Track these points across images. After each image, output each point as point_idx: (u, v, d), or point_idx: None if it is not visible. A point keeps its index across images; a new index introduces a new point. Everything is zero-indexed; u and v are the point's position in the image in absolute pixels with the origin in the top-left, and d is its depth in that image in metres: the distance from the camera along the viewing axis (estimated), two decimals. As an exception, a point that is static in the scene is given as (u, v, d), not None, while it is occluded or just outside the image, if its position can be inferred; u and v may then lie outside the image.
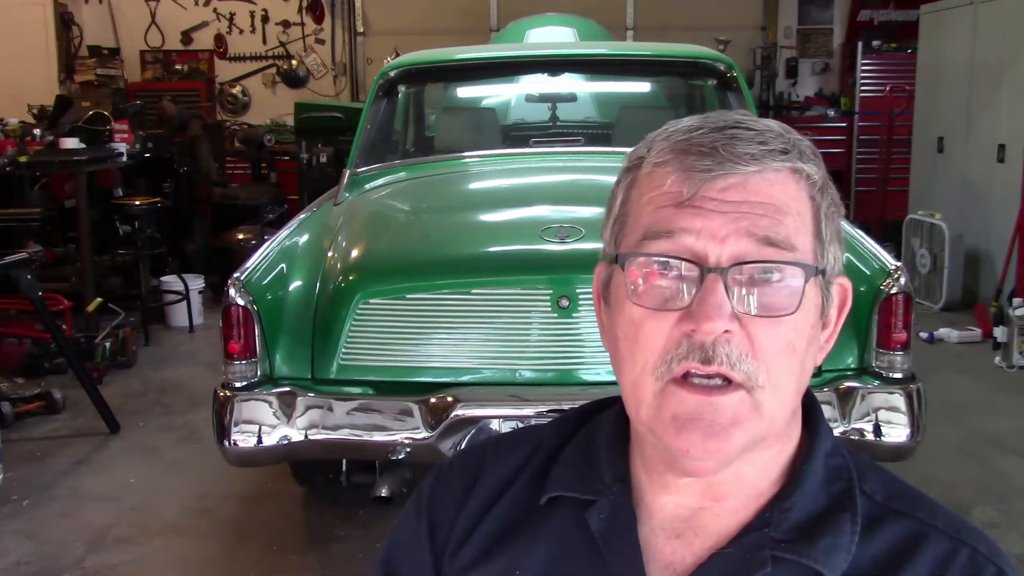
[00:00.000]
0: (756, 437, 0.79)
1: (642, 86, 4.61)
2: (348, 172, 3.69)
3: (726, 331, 0.76)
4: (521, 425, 2.55)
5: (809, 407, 0.89)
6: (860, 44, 8.76)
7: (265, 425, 2.67)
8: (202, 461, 3.94)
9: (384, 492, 2.70)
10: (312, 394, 2.70)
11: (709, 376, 0.77)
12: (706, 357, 0.76)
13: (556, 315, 2.66)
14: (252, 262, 2.89)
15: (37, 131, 6.54)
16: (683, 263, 0.78)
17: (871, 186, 8.40)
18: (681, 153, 0.80)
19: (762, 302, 0.77)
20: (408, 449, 2.62)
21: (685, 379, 0.78)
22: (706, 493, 0.84)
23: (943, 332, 5.72)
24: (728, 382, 0.77)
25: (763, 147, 0.79)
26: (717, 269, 0.76)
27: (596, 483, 0.88)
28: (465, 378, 2.71)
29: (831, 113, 8.97)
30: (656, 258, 0.79)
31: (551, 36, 5.22)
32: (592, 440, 0.92)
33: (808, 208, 0.80)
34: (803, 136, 0.84)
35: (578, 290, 2.63)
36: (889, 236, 6.95)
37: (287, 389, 2.71)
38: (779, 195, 0.79)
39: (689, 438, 0.77)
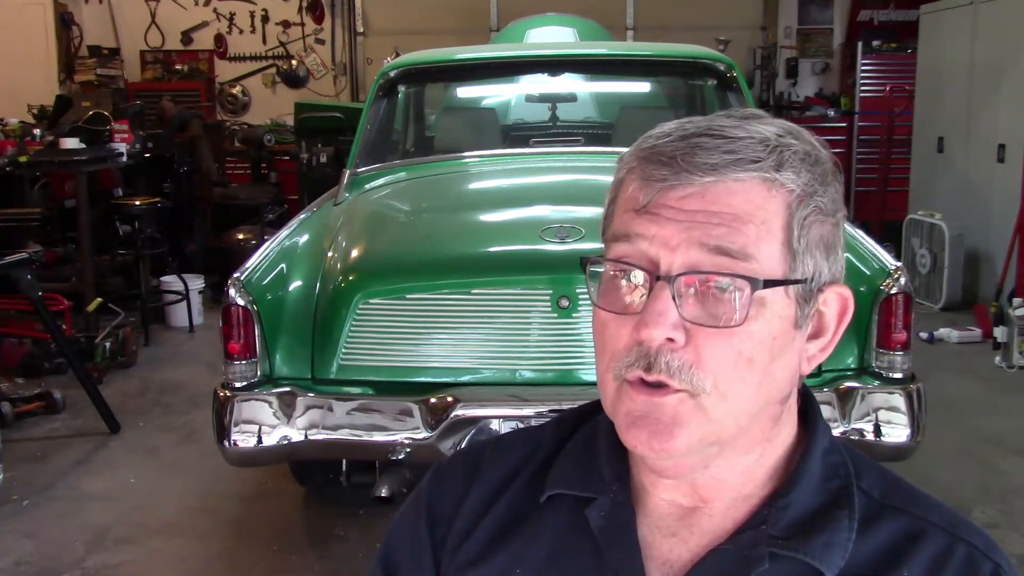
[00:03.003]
0: (705, 440, 0.79)
1: (642, 86, 4.60)
2: (348, 172, 3.69)
3: (671, 339, 0.76)
4: (521, 425, 2.56)
5: (806, 405, 0.89)
6: (860, 44, 8.76)
7: (265, 425, 2.67)
8: (202, 461, 3.94)
9: (384, 492, 2.70)
10: (312, 394, 2.70)
11: (654, 382, 0.78)
12: (648, 365, 0.77)
13: (556, 315, 2.67)
14: (252, 262, 2.89)
15: (37, 131, 6.55)
16: (637, 269, 0.79)
17: (871, 186, 8.41)
18: (644, 161, 0.81)
19: (709, 312, 0.77)
20: (408, 449, 2.62)
21: (638, 381, 0.79)
22: (692, 495, 0.85)
23: (943, 332, 5.72)
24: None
25: (728, 156, 0.78)
26: (666, 277, 0.77)
27: (596, 481, 0.88)
28: (465, 378, 2.71)
29: (831, 113, 8.97)
30: (612, 262, 0.81)
31: (551, 36, 5.22)
32: (592, 439, 0.92)
33: (778, 217, 0.78)
34: (811, 137, 0.82)
35: (578, 290, 2.63)
36: (889, 236, 6.94)
37: (287, 389, 2.71)
38: (740, 204, 0.77)
39: (637, 435, 0.79)
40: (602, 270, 0.82)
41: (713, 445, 0.80)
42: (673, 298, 0.76)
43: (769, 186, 0.78)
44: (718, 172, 0.77)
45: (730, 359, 0.77)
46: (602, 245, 0.88)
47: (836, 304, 0.85)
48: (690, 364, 0.77)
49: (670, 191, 0.78)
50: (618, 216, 0.82)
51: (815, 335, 0.84)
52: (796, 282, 0.79)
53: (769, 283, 0.77)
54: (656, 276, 0.77)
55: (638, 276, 0.79)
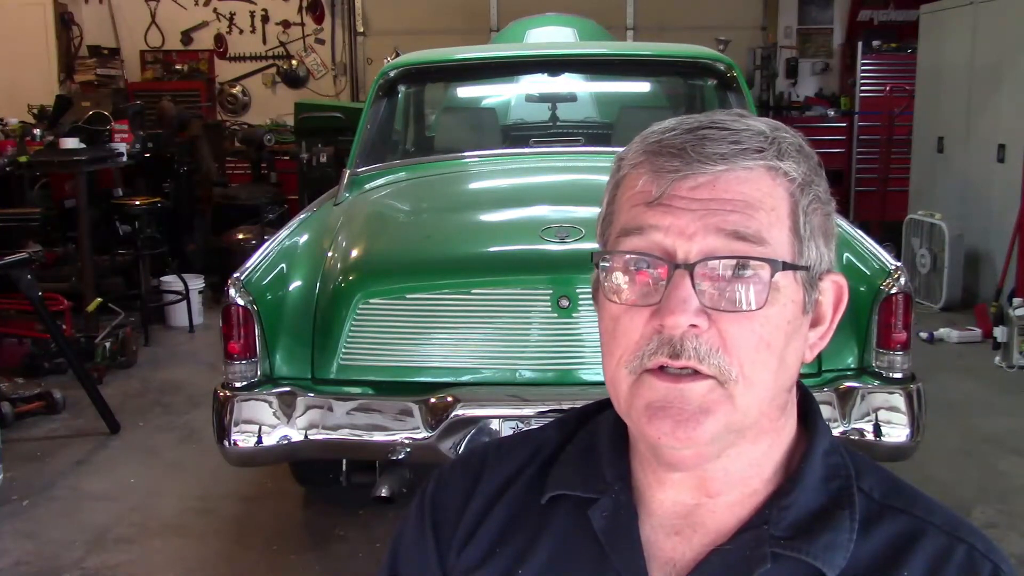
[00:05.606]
0: (730, 428, 0.80)
1: (642, 86, 4.60)
2: (348, 172, 3.69)
3: (694, 326, 0.77)
4: (521, 425, 2.56)
5: (806, 406, 0.89)
6: (860, 44, 8.75)
7: (265, 425, 2.67)
8: (202, 461, 3.94)
9: (384, 492, 2.70)
10: (312, 394, 2.70)
11: (681, 369, 0.78)
12: (674, 352, 0.77)
13: (556, 315, 2.66)
14: (252, 262, 2.89)
15: (37, 131, 6.54)
16: (653, 260, 0.79)
17: (871, 186, 8.40)
18: (652, 155, 0.81)
19: (730, 297, 0.78)
20: (408, 449, 2.62)
21: (659, 369, 0.79)
22: (699, 488, 0.85)
23: (943, 332, 5.73)
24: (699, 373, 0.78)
25: (735, 146, 0.79)
26: (684, 265, 0.77)
27: (598, 482, 0.88)
28: (465, 378, 2.71)
29: (831, 113, 8.97)
30: (627, 255, 0.80)
31: (551, 36, 5.22)
32: (593, 440, 0.92)
33: (785, 204, 0.80)
34: (795, 132, 0.84)
35: (578, 290, 2.63)
36: (889, 236, 6.95)
37: (287, 389, 2.71)
38: (750, 191, 0.79)
39: (660, 426, 0.78)
40: (609, 266, 0.82)
41: (733, 433, 0.80)
42: (693, 286, 0.77)
43: (774, 175, 0.80)
44: (728, 161, 0.79)
45: (752, 344, 0.78)
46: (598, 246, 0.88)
47: (832, 292, 0.86)
48: (717, 347, 0.77)
49: (682, 182, 0.79)
50: (624, 212, 0.82)
51: (814, 323, 0.85)
52: (805, 268, 0.81)
53: (787, 266, 0.79)
54: (674, 265, 0.78)
55: (654, 267, 0.79)
